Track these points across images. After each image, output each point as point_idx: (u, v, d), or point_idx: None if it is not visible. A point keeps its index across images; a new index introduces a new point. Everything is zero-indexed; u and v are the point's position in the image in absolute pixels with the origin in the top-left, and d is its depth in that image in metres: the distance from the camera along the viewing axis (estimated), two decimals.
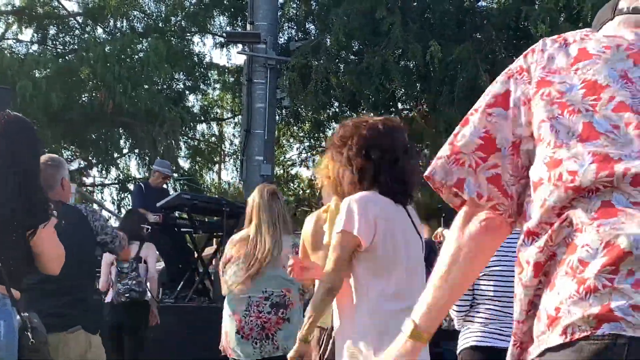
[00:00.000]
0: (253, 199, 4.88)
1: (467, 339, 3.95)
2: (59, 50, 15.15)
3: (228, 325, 4.90)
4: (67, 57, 14.55)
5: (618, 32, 1.62)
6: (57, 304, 4.26)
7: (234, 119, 18.85)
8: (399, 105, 14.46)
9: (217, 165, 20.49)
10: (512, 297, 3.99)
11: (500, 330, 3.81)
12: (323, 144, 16.44)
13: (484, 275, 3.86)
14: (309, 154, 17.84)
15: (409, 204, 3.41)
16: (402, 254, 3.28)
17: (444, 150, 1.67)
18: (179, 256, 9.47)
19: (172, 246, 9.21)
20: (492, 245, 1.73)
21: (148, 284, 6.77)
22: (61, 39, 15.37)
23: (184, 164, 18.18)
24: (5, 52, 14.66)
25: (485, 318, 3.87)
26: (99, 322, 4.54)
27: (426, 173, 1.68)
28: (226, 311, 4.94)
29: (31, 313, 3.32)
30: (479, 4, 12.72)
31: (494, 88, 1.65)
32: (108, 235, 4.48)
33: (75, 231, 4.26)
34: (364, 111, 14.26)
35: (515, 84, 1.62)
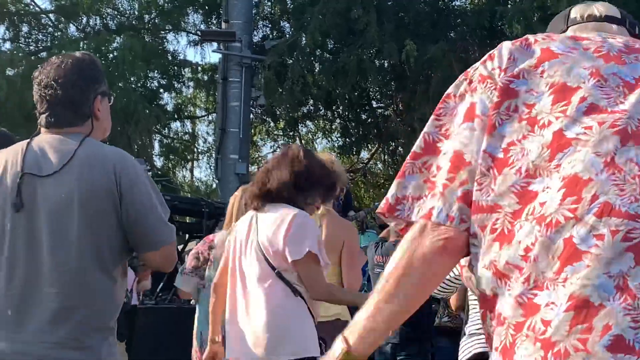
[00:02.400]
0: (232, 201, 4.85)
1: (469, 346, 3.90)
2: (31, 48, 15.01)
3: (202, 326, 4.80)
4: (39, 55, 14.42)
5: (581, 36, 1.52)
6: None
7: (207, 116, 18.80)
8: (374, 104, 14.50)
9: (190, 163, 20.42)
10: None
11: None
12: (297, 141, 16.43)
13: None
14: None
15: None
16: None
17: (419, 191, 1.46)
18: None
19: None
20: (447, 269, 1.48)
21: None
22: (34, 36, 15.23)
23: (158, 162, 18.11)
24: None
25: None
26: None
27: (404, 216, 1.46)
28: (201, 314, 4.84)
29: None
30: (454, 3, 12.79)
31: (459, 106, 1.49)
32: None
33: None
34: (339, 109, 14.28)
35: (480, 93, 1.46)
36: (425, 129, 1.50)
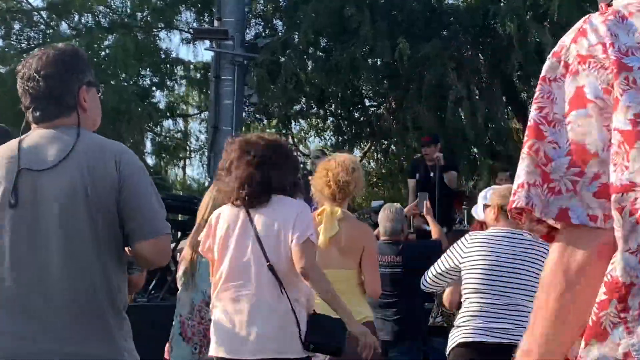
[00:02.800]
0: (205, 199, 4.83)
1: (455, 337, 3.99)
2: (23, 45, 14.96)
3: (174, 327, 4.77)
4: (31, 53, 14.38)
5: None
6: None
7: (200, 114, 18.77)
8: (367, 102, 14.50)
9: (182, 162, 20.41)
10: (497, 291, 3.97)
11: (485, 324, 3.83)
12: (290, 140, 16.43)
13: (470, 270, 3.89)
14: None
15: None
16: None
17: (533, 176, 1.34)
18: None
19: None
20: (604, 272, 1.32)
21: None
22: (26, 34, 15.18)
23: (150, 160, 18.08)
24: None
25: (472, 312, 3.90)
26: None
27: (521, 204, 1.35)
28: (176, 312, 4.85)
29: None
30: (447, 1, 12.78)
31: (556, 90, 1.37)
32: None
33: None
34: (332, 108, 14.28)
35: (586, 76, 1.34)
36: (530, 115, 1.40)
